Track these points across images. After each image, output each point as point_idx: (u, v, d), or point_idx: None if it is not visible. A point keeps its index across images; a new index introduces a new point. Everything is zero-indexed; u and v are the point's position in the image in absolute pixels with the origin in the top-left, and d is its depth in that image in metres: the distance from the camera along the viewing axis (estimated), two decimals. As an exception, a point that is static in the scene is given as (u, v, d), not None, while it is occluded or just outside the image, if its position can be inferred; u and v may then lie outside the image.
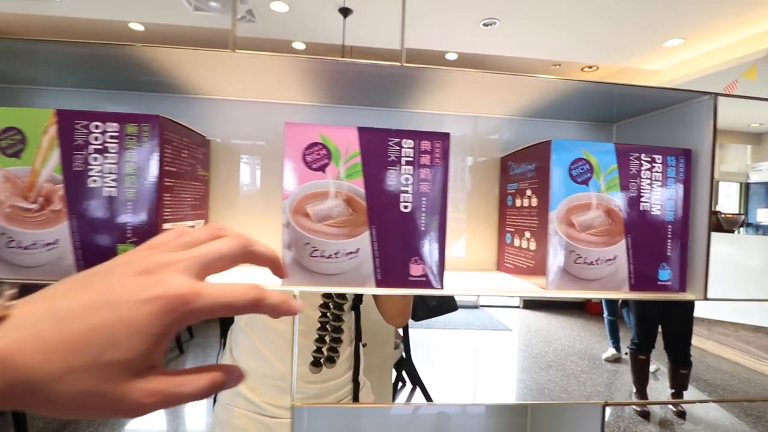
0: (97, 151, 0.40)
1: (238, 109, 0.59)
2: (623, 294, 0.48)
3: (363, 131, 0.43)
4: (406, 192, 0.44)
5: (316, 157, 0.43)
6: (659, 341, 2.30)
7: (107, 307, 0.22)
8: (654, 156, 0.48)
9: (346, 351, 0.71)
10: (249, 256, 0.27)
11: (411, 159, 0.44)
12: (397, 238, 0.43)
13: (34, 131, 0.39)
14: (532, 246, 0.50)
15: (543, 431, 0.60)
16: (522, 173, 0.54)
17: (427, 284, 0.44)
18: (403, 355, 2.59)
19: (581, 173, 0.47)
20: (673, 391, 2.34)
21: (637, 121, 0.61)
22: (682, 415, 2.41)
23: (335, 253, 0.43)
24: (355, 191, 0.43)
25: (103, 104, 0.56)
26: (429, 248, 0.44)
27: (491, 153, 0.63)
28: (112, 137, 0.40)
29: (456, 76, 0.46)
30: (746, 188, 4.90)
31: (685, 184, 0.49)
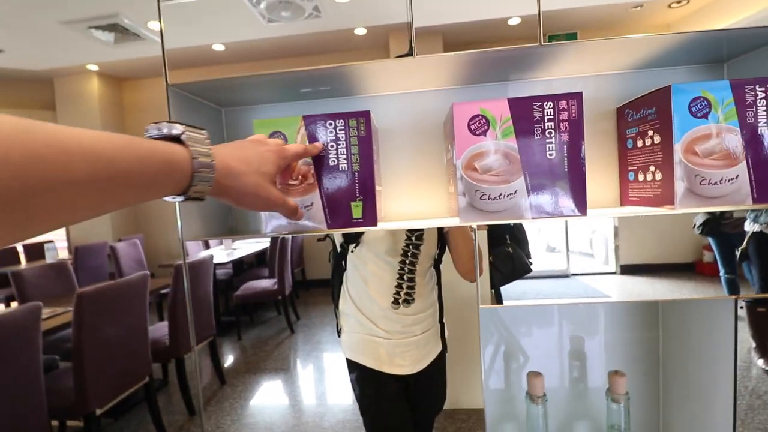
0: (332, 140, 0.58)
1: (388, 100, 0.75)
2: (747, 206, 0.56)
3: (512, 101, 0.57)
4: (550, 142, 0.57)
5: (478, 125, 0.57)
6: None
7: (252, 150, 0.48)
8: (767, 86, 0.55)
9: (428, 297, 0.93)
10: (305, 153, 0.56)
11: (552, 117, 0.56)
12: (546, 179, 0.57)
13: (291, 131, 0.59)
14: (658, 177, 0.60)
15: (675, 326, 0.70)
16: (641, 118, 0.63)
17: (573, 213, 0.57)
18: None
19: (700, 109, 0.56)
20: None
21: (749, 57, 0.67)
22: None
23: (498, 196, 0.58)
24: (510, 147, 0.57)
25: (302, 111, 0.77)
26: (573, 185, 0.57)
27: (604, 106, 0.73)
28: (340, 130, 0.58)
29: (585, 46, 0.58)
30: None
31: (802, 106, 0.56)
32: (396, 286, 0.90)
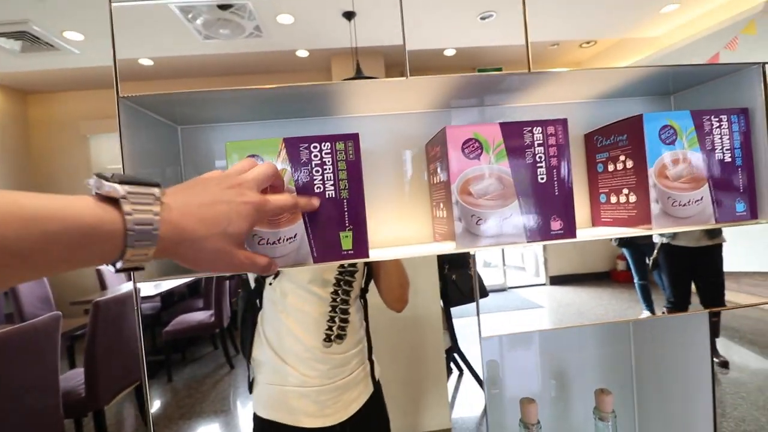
0: (317, 165, 0.53)
1: (365, 121, 0.72)
2: (711, 225, 0.61)
3: (504, 125, 0.56)
4: (540, 167, 0.57)
5: (472, 149, 0.56)
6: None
7: (225, 203, 0.39)
8: (721, 116, 0.61)
9: (358, 332, 0.84)
10: (295, 209, 0.47)
11: (541, 141, 0.57)
12: (539, 202, 0.57)
13: (269, 155, 0.53)
14: (632, 199, 0.63)
15: (647, 337, 0.73)
16: (612, 144, 0.67)
17: (566, 235, 0.57)
18: (450, 342, 2.74)
19: (669, 136, 0.60)
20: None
21: (692, 91, 0.75)
22: (725, 365, 2.53)
23: (494, 220, 0.56)
24: (503, 171, 0.56)
25: (272, 131, 0.70)
26: (563, 207, 0.57)
27: (572, 132, 0.76)
28: (326, 153, 0.53)
29: (566, 76, 0.60)
30: None
31: (746, 135, 0.62)
32: (328, 320, 0.81)
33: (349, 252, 0.54)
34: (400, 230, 0.73)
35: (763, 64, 0.61)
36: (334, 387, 0.81)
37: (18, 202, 0.27)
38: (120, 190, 0.32)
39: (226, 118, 0.69)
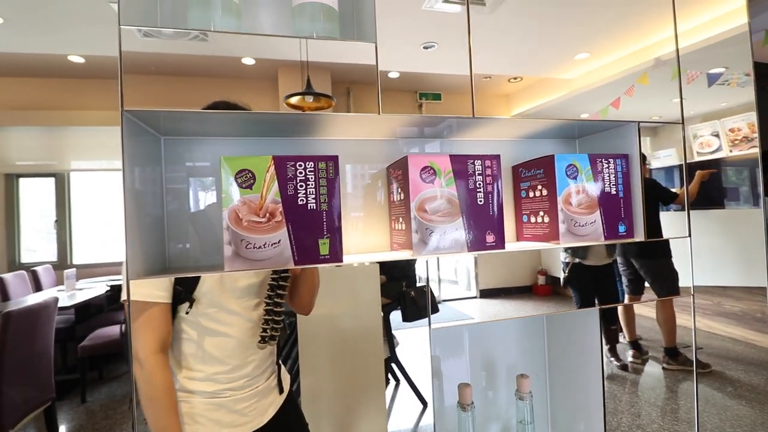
0: (301, 180, 0.63)
1: (335, 144, 0.83)
2: (602, 242, 0.79)
3: (452, 157, 0.70)
4: (479, 192, 0.72)
5: (428, 174, 0.69)
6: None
7: None
8: (609, 159, 0.81)
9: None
10: None
11: (480, 171, 0.72)
12: (478, 219, 0.71)
13: (260, 170, 0.61)
14: (546, 220, 0.80)
15: (557, 332, 0.90)
16: (532, 175, 0.84)
17: (497, 246, 0.72)
18: (389, 353, 2.85)
19: (573, 172, 0.78)
20: (609, 346, 2.88)
21: (591, 137, 0.96)
22: (625, 368, 2.95)
23: (444, 233, 0.70)
24: (451, 194, 0.70)
25: (253, 147, 0.78)
26: (496, 224, 0.72)
27: (503, 164, 0.93)
28: (310, 171, 0.63)
29: (500, 121, 0.75)
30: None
31: (626, 174, 0.83)
32: (263, 323, 0.85)
33: (326, 257, 0.64)
34: (362, 240, 0.84)
35: (639, 122, 0.82)
36: (252, 393, 0.85)
37: None
38: None
39: (208, 132, 0.75)
